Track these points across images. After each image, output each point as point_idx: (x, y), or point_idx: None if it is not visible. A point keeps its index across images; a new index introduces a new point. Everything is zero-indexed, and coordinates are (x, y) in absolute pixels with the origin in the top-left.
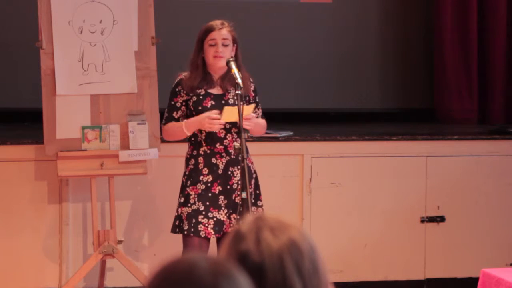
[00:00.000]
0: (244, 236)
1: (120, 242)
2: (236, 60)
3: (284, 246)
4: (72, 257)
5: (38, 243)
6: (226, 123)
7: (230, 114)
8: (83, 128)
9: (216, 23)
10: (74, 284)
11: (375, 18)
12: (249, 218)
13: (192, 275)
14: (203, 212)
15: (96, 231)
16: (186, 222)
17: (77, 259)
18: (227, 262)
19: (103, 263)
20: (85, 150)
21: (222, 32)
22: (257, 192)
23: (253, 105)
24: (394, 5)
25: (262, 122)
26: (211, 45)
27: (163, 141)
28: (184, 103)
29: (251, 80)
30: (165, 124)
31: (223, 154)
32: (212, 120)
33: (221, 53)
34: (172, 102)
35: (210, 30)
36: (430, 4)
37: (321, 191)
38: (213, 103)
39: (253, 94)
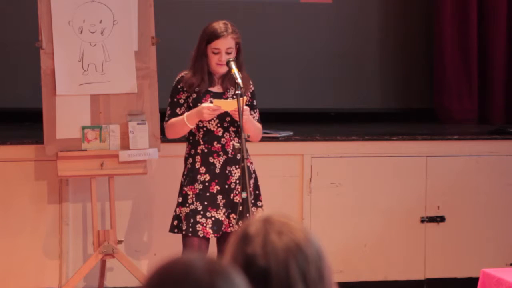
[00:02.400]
0: (251, 239)
1: (120, 242)
2: (237, 59)
3: (291, 252)
4: (72, 257)
5: (38, 243)
6: (224, 121)
7: (228, 104)
8: (83, 128)
9: (220, 27)
10: (74, 284)
11: (375, 18)
12: (256, 219)
13: (189, 274)
14: (201, 212)
15: (96, 231)
16: (184, 222)
17: (77, 259)
18: (224, 261)
19: (103, 263)
20: (85, 150)
21: (227, 41)
22: (257, 192)
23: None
24: (394, 5)
25: (257, 124)
26: (214, 53)
27: (163, 141)
28: (185, 100)
29: (251, 82)
30: (167, 121)
31: (220, 153)
32: (212, 111)
33: (224, 61)
34: (175, 99)
35: (215, 36)
36: (430, 4)
37: (321, 191)
38: (212, 100)
39: (250, 96)
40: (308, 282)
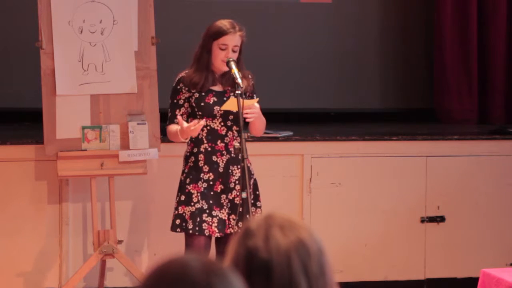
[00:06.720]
0: (253, 233)
1: (120, 242)
2: (238, 60)
3: (293, 246)
4: (72, 257)
5: (38, 243)
6: (228, 120)
7: (233, 104)
8: (83, 128)
9: (227, 26)
10: (74, 284)
11: (375, 18)
12: (258, 216)
13: (185, 275)
14: (207, 211)
15: (96, 231)
16: (190, 221)
17: (77, 259)
18: (223, 261)
19: (103, 263)
20: (85, 150)
21: (235, 38)
22: (257, 192)
23: (257, 99)
24: (394, 5)
25: (263, 119)
26: (221, 49)
27: (163, 141)
28: (186, 100)
29: (250, 77)
30: (168, 125)
31: (224, 152)
32: (194, 128)
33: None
34: (175, 101)
35: (223, 33)
36: (430, 4)
37: (321, 191)
38: (215, 99)
39: (251, 94)
40: (310, 275)
